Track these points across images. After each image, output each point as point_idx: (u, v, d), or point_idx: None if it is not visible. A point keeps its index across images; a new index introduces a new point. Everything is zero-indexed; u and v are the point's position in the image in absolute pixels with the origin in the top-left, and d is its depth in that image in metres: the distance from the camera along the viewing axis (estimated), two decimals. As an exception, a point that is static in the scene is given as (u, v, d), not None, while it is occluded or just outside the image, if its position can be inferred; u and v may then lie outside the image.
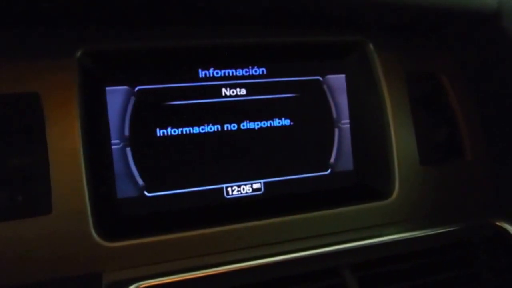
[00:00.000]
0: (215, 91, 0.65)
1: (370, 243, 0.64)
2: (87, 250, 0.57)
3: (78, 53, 0.58)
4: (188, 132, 0.64)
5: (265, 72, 0.68)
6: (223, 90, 0.66)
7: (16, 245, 0.55)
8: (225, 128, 0.66)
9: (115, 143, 0.62)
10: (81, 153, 0.57)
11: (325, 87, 0.70)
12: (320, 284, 0.61)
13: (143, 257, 0.59)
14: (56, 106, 0.57)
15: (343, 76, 0.71)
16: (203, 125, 0.65)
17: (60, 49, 0.58)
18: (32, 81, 0.56)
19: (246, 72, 0.67)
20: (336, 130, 0.71)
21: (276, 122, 0.68)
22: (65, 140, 0.57)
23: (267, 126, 0.67)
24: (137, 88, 0.62)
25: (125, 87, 0.62)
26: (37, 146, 0.56)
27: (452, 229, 0.68)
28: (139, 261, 0.59)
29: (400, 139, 0.69)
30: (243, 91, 0.66)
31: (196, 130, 0.65)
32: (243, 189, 0.67)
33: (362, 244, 0.63)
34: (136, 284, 0.56)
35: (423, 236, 0.67)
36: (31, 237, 0.55)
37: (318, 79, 0.70)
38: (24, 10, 0.54)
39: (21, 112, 0.56)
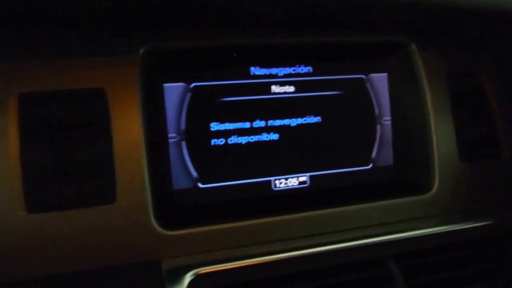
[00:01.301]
0: (265, 88, 0.69)
1: (413, 235, 0.67)
2: (147, 238, 0.60)
3: (141, 52, 0.61)
4: (239, 127, 0.67)
5: (311, 71, 0.71)
6: (273, 87, 0.69)
7: (82, 232, 0.58)
8: (274, 124, 0.69)
9: (172, 137, 0.65)
10: (143, 146, 0.60)
11: (368, 85, 0.73)
12: (366, 273, 0.64)
13: (198, 245, 0.62)
14: (120, 101, 0.60)
15: (385, 75, 0.74)
16: (254, 120, 0.68)
17: (124, 48, 0.61)
18: (98, 77, 0.60)
19: (293, 70, 0.70)
20: (378, 127, 0.74)
21: (322, 118, 0.71)
22: (128, 134, 0.60)
23: (313, 122, 0.70)
24: (192, 84, 0.66)
25: (181, 83, 0.65)
26: (102, 139, 0.59)
27: (488, 223, 0.71)
28: (195, 249, 0.62)
29: (441, 136, 0.72)
30: (291, 89, 0.70)
31: (247, 125, 0.68)
32: (290, 182, 0.70)
33: (405, 236, 0.67)
34: (195, 270, 0.60)
35: (461, 229, 0.70)
36: (96, 225, 0.58)
37: (362, 78, 0.73)
38: (94, 11, 0.57)
39: (88, 107, 0.59)
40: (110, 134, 0.59)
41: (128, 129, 0.60)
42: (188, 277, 0.59)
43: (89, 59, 0.60)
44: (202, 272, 0.59)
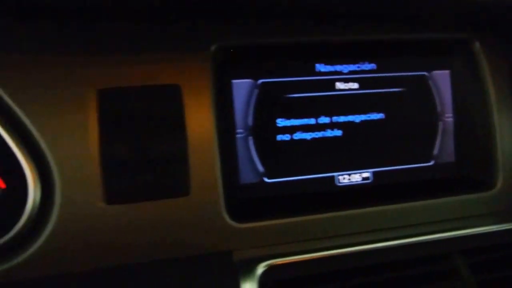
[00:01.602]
0: (330, 85, 0.70)
1: (478, 231, 0.67)
2: (219, 230, 0.62)
3: (213, 48, 0.63)
4: (304, 123, 0.68)
5: (375, 68, 0.71)
6: (337, 84, 0.70)
7: (157, 224, 0.60)
8: (338, 120, 0.70)
9: (239, 132, 0.67)
10: (215, 141, 0.62)
11: (430, 82, 0.74)
12: (433, 268, 0.65)
13: (266, 238, 0.63)
14: (194, 97, 0.62)
15: (448, 72, 0.74)
16: (319, 116, 0.69)
17: (197, 44, 0.63)
18: (173, 74, 0.61)
19: (358, 67, 0.71)
20: (440, 123, 0.74)
21: (385, 115, 0.71)
22: (201, 129, 0.61)
23: (376, 119, 0.71)
24: (260, 81, 0.67)
25: (249, 80, 0.67)
26: (177, 133, 0.61)
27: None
28: (264, 241, 0.63)
29: (504, 133, 0.72)
30: (355, 85, 0.70)
31: (312, 121, 0.69)
32: (353, 177, 0.71)
33: (471, 232, 0.67)
34: (268, 262, 0.61)
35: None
36: (170, 217, 0.60)
37: (424, 75, 0.74)
38: (169, 7, 0.59)
39: (163, 102, 0.61)
40: (185, 129, 0.61)
41: (201, 124, 0.61)
42: (260, 268, 0.60)
43: (164, 55, 0.62)
44: (274, 263, 0.60)
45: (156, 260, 0.60)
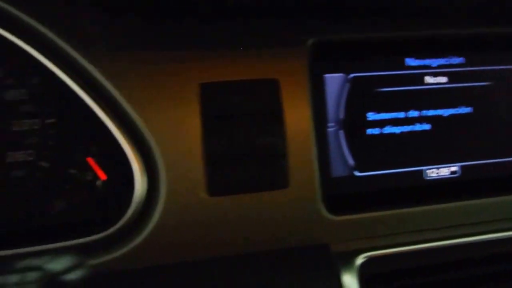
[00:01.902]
0: (419, 79, 0.70)
1: None
2: (316, 223, 0.62)
3: (309, 43, 0.64)
4: (394, 117, 0.69)
5: (463, 62, 0.71)
6: (426, 78, 0.70)
7: (257, 216, 0.61)
8: (427, 114, 0.70)
9: (331, 126, 0.67)
10: (312, 135, 0.62)
11: (518, 75, 0.73)
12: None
13: (362, 231, 0.64)
14: (291, 91, 0.63)
15: (536, 65, 0.74)
16: (408, 110, 0.69)
17: (294, 40, 0.63)
18: (272, 68, 0.62)
19: (446, 61, 0.71)
20: (529, 118, 0.74)
21: (473, 109, 0.71)
22: (299, 122, 0.62)
23: (465, 113, 0.71)
24: (351, 75, 0.68)
25: (341, 74, 0.67)
26: (276, 127, 0.62)
27: None
28: (360, 234, 0.64)
29: None
30: (444, 79, 0.70)
31: (401, 115, 0.69)
32: (441, 171, 0.71)
33: None
34: (366, 254, 0.61)
35: None
36: (270, 209, 0.61)
37: (512, 68, 0.73)
38: (267, 4, 0.60)
39: (263, 96, 0.62)
40: (283, 122, 0.61)
41: (298, 118, 0.62)
42: (359, 260, 0.61)
43: (262, 50, 0.63)
44: (373, 255, 0.61)
45: (255, 252, 0.61)
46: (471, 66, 0.71)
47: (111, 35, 0.60)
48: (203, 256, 0.60)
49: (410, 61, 0.70)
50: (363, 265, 0.61)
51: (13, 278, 0.51)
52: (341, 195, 0.68)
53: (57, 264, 0.55)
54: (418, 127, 0.70)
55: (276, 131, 0.61)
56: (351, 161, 0.68)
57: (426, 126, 0.70)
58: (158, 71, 0.59)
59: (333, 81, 0.67)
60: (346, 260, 0.61)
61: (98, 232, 0.57)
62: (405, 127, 0.69)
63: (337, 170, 0.68)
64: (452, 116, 0.71)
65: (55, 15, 0.58)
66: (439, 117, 0.70)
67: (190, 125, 0.59)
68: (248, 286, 0.58)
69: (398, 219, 0.65)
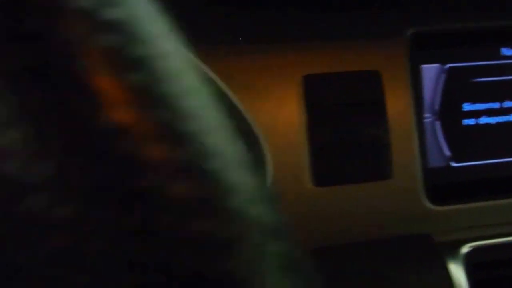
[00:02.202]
0: (515, 69, 0.69)
1: None
2: (419, 213, 0.63)
3: (408, 34, 0.64)
4: (490, 107, 0.69)
5: (559, 51, 0.71)
6: (523, 67, 0.69)
7: (361, 206, 0.62)
8: (524, 104, 0.69)
9: (427, 117, 0.67)
10: (413, 125, 0.63)
11: None
12: None
13: (465, 221, 0.64)
14: (392, 83, 0.63)
15: None
16: (503, 101, 0.69)
17: (393, 30, 0.64)
18: (373, 60, 0.63)
19: (543, 50, 0.70)
20: None
21: None
22: (401, 113, 0.63)
23: (561, 102, 0.70)
24: (447, 65, 0.68)
25: (437, 65, 0.67)
26: (379, 118, 0.62)
27: None
28: (462, 224, 0.64)
29: None
30: (541, 69, 0.70)
31: (496, 105, 0.69)
32: (540, 162, 0.70)
33: None
34: (471, 244, 0.61)
35: None
36: (374, 199, 0.62)
37: None
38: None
39: (365, 88, 0.63)
40: (386, 113, 0.62)
41: (400, 109, 0.63)
42: (464, 250, 0.61)
43: (363, 41, 0.63)
44: (479, 245, 0.61)
45: (356, 242, 0.62)
46: None
47: (213, 29, 0.61)
48: (308, 245, 0.60)
49: (506, 51, 0.69)
50: (468, 254, 0.61)
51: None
52: (440, 185, 0.68)
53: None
54: (513, 117, 0.69)
55: (380, 122, 0.62)
56: (447, 152, 0.68)
57: (522, 117, 0.70)
58: (263, 64, 0.60)
59: (430, 71, 0.67)
60: (451, 250, 0.62)
61: None
62: (501, 117, 0.69)
63: (434, 161, 0.68)
64: (549, 105, 0.70)
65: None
66: (535, 107, 0.70)
67: (294, 116, 0.60)
68: (360, 274, 0.59)
69: (498, 209, 0.65)
